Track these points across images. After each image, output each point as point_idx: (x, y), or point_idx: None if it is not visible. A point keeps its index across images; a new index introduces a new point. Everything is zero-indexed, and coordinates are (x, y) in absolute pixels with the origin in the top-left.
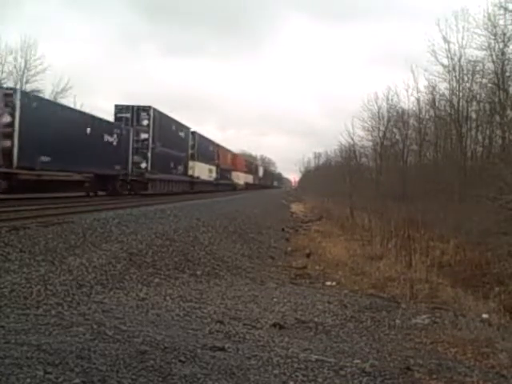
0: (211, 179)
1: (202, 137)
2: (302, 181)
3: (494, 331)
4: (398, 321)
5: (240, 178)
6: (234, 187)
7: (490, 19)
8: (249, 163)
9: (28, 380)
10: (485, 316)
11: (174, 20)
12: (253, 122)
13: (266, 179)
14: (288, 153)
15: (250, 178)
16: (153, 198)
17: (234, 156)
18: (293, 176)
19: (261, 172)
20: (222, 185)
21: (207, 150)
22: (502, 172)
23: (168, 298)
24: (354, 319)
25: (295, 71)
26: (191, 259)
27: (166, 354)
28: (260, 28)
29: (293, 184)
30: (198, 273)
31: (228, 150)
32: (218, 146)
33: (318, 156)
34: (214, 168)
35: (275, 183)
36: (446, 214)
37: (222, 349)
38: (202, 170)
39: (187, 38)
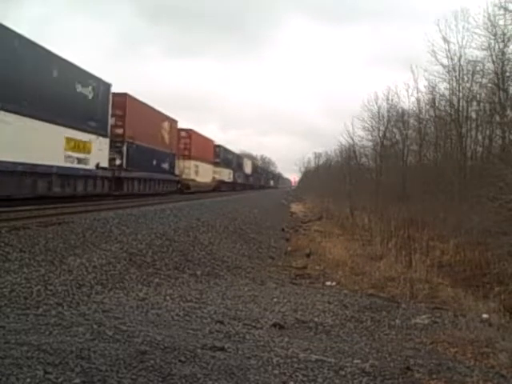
0: (89, 168)
1: (42, 50)
2: (302, 181)
3: (494, 331)
4: (397, 321)
5: (201, 171)
6: (185, 187)
7: (489, 19)
8: (222, 151)
9: (28, 380)
10: (485, 316)
11: (175, 22)
12: (253, 122)
13: (258, 178)
14: (288, 153)
15: (225, 174)
16: (153, 198)
17: (188, 134)
18: (293, 176)
19: (248, 168)
20: (142, 181)
21: (69, 90)
22: (502, 172)
23: (168, 297)
24: (354, 319)
25: (296, 72)
26: (191, 259)
27: (165, 353)
28: (261, 29)
29: (293, 184)
30: (198, 273)
31: (170, 119)
32: (127, 97)
33: (318, 156)
34: (101, 142)
35: (271, 183)
36: (446, 214)
37: (222, 349)
38: (20, 142)
39: (189, 40)
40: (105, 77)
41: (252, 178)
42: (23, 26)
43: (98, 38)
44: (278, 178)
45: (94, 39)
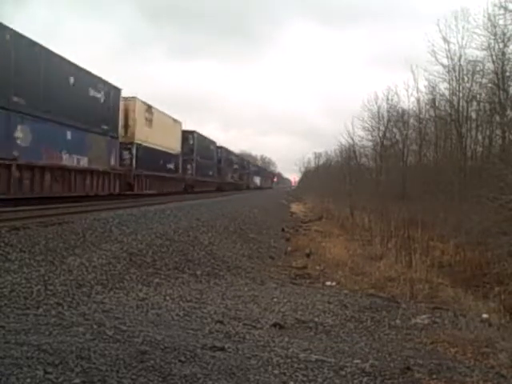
0: None
1: None
2: (302, 181)
3: (494, 331)
4: (398, 321)
5: None
6: None
7: (490, 19)
8: None
9: (28, 380)
10: (485, 316)
11: (176, 23)
12: (253, 122)
13: (215, 168)
14: (288, 153)
15: None
16: (153, 197)
17: None
18: (293, 176)
19: (168, 137)
20: None
21: None
22: (502, 172)
23: (168, 297)
24: (354, 319)
25: (296, 72)
26: (191, 259)
27: (165, 353)
28: (262, 30)
29: (293, 184)
30: (198, 273)
31: None
32: None
33: (318, 156)
34: None
35: (257, 181)
36: (446, 214)
37: (222, 349)
38: None
39: (189, 41)
40: (105, 77)
41: (191, 168)
42: (27, 27)
43: (99, 39)
44: (271, 174)
45: (94, 40)
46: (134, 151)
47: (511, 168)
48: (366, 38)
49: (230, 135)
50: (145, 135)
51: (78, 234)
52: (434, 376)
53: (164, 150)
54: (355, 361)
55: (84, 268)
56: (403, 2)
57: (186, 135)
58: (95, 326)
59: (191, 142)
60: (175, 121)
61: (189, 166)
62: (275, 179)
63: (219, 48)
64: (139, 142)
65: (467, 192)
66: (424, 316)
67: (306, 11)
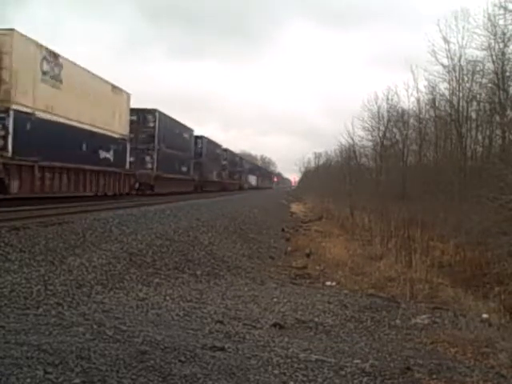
0: None
1: None
2: (302, 181)
3: (494, 331)
4: (398, 321)
5: None
6: None
7: (490, 19)
8: None
9: (28, 380)
10: (485, 316)
11: (176, 23)
12: (253, 122)
13: (194, 163)
14: (288, 153)
15: None
16: (154, 197)
17: None
18: (293, 176)
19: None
20: None
21: None
22: (502, 172)
23: (168, 297)
24: (354, 319)
25: (296, 72)
26: (191, 259)
27: (165, 353)
28: (262, 30)
29: (293, 184)
30: (198, 273)
31: None
32: None
33: (318, 156)
34: None
35: (252, 180)
36: (446, 214)
37: (222, 349)
38: None
39: (190, 41)
40: (108, 77)
41: (151, 160)
42: (27, 27)
43: (99, 39)
44: (270, 174)
45: (94, 40)
46: (10, 124)
47: (511, 168)
48: (366, 37)
49: (230, 135)
50: (42, 100)
51: (78, 234)
52: (434, 376)
53: (92, 129)
54: (355, 361)
55: (84, 268)
56: (403, 2)
57: (145, 115)
58: (95, 326)
59: (152, 124)
60: (116, 89)
61: (148, 158)
62: (276, 179)
63: (219, 48)
64: (25, 110)
65: (467, 192)
66: (424, 316)
67: (306, 11)
